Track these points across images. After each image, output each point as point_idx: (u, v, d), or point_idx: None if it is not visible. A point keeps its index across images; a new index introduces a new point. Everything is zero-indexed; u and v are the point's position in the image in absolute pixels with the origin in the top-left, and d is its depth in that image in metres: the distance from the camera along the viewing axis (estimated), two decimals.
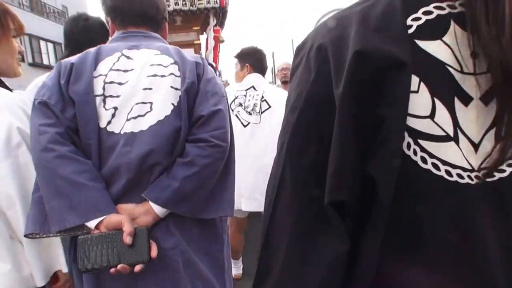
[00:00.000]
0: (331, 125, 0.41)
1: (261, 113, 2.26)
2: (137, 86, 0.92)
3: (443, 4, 0.42)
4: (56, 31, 17.08)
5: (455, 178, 0.40)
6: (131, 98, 0.92)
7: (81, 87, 0.89)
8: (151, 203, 0.89)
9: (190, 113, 0.94)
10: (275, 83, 6.86)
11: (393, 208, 0.40)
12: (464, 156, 0.40)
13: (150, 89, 0.93)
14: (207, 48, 4.56)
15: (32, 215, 0.87)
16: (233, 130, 2.29)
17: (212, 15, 4.24)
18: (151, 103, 0.92)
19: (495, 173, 0.40)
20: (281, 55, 46.33)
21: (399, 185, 0.40)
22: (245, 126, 2.29)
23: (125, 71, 0.94)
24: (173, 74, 0.95)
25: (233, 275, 2.62)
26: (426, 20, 0.42)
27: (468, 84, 0.40)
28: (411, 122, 0.40)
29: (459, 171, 0.40)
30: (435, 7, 0.42)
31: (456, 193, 0.40)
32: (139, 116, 0.91)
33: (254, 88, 2.33)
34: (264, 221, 0.47)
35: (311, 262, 0.43)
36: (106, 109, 0.90)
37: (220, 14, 4.34)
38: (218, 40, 4.52)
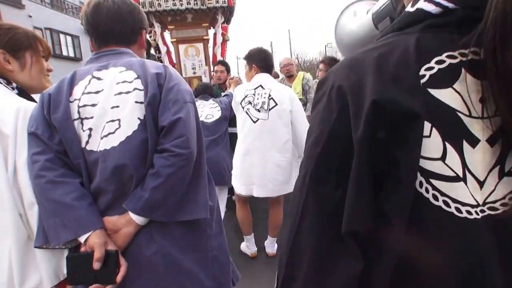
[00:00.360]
0: (350, 161, 0.42)
1: (269, 110, 2.24)
2: (107, 106, 0.93)
3: (455, 53, 0.41)
4: (74, 25, 17.02)
5: (464, 214, 0.40)
6: (103, 117, 0.92)
7: (59, 114, 0.91)
8: (130, 213, 0.91)
9: (157, 124, 0.93)
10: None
11: (405, 241, 0.41)
12: (471, 194, 0.40)
13: (118, 107, 0.93)
14: (215, 44, 4.48)
15: (41, 229, 0.91)
16: (244, 126, 2.29)
17: (220, 13, 4.15)
18: (119, 120, 0.92)
19: (499, 207, 0.40)
20: (278, 46, 47.33)
21: (411, 220, 0.40)
22: (254, 122, 2.27)
23: (97, 92, 0.94)
24: (137, 88, 0.93)
25: (250, 253, 2.57)
26: (439, 69, 0.41)
27: (476, 127, 0.40)
28: (423, 163, 0.40)
29: (468, 208, 0.40)
30: (447, 56, 0.41)
31: (465, 227, 0.40)
32: (109, 133, 0.91)
33: (262, 87, 2.30)
34: (289, 240, 0.49)
35: (328, 280, 0.44)
36: (83, 131, 0.92)
37: (228, 12, 4.24)
38: (225, 37, 4.42)
